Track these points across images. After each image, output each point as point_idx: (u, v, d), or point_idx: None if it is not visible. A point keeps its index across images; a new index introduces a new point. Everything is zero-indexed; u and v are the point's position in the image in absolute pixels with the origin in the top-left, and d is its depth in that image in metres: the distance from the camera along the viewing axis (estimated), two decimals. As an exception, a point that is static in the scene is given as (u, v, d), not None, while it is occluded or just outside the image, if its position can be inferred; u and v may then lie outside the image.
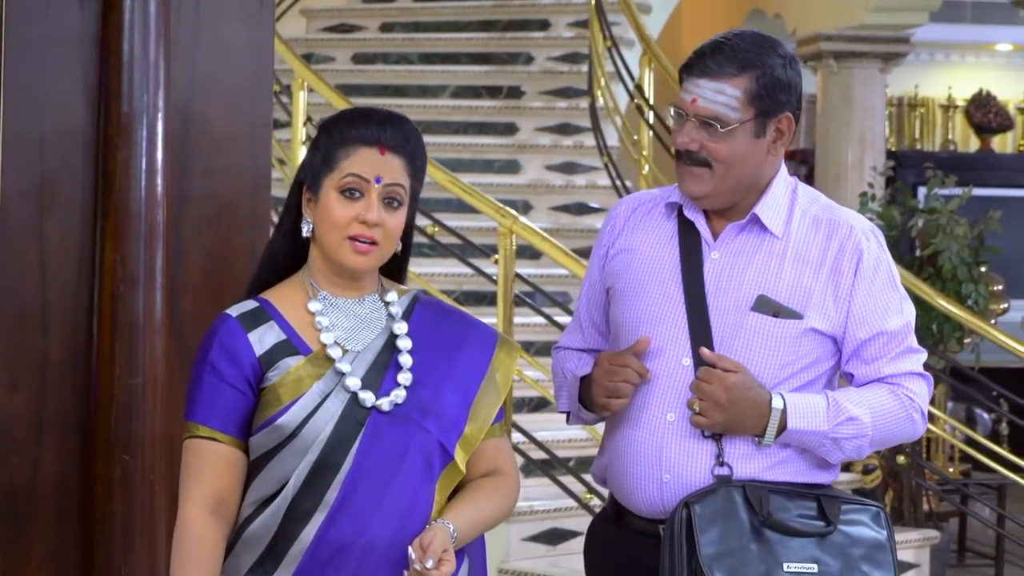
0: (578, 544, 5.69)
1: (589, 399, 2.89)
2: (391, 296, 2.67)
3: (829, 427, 2.78)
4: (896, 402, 2.83)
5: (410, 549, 2.49)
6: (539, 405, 6.36)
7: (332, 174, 2.58)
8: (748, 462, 2.80)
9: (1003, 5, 12.05)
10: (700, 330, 2.81)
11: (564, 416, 3.05)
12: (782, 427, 2.77)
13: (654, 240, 2.91)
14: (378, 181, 2.56)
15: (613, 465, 2.90)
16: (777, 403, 2.76)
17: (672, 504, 2.78)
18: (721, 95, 2.78)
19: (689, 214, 2.88)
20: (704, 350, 2.79)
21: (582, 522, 5.69)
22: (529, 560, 5.59)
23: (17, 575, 3.10)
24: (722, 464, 2.78)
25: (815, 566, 2.75)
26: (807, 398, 2.80)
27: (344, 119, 2.62)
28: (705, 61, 2.80)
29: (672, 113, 2.85)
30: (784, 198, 2.86)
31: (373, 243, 2.57)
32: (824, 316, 2.81)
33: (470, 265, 5.74)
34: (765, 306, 2.79)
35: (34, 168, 3.12)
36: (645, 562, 2.81)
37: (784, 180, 2.89)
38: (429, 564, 2.46)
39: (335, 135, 2.60)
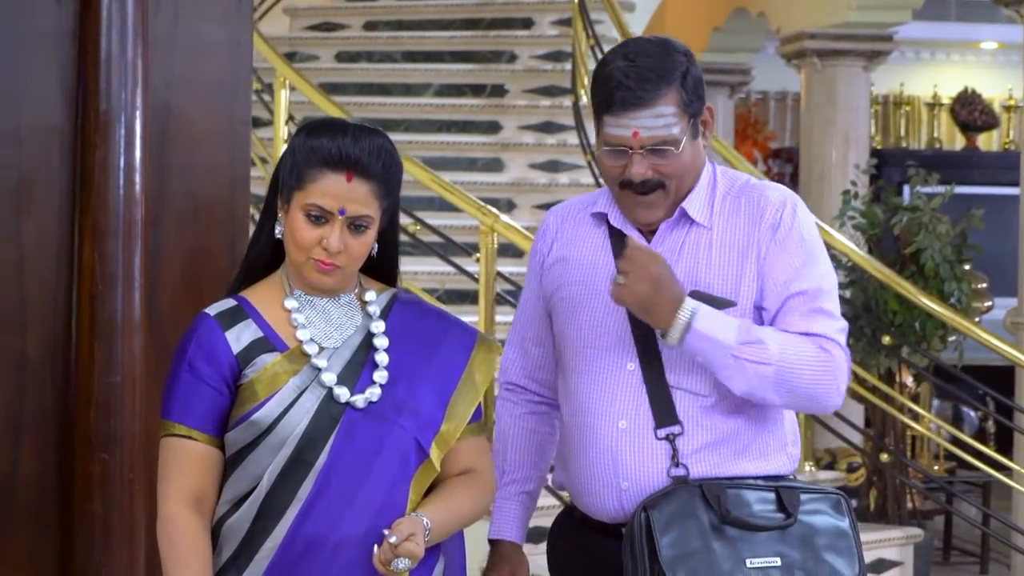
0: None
1: None
2: (370, 295, 2.67)
3: (735, 342, 2.68)
4: (811, 346, 2.72)
5: (384, 531, 2.49)
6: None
7: (300, 192, 2.57)
8: (704, 460, 2.76)
9: (987, 3, 12.07)
10: (643, 333, 2.76)
11: None
12: (687, 326, 2.68)
13: (587, 249, 2.87)
14: (342, 213, 2.55)
15: (571, 478, 2.88)
16: (691, 302, 2.69)
17: (633, 510, 2.75)
18: (660, 119, 2.71)
19: (617, 223, 2.84)
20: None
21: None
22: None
23: (-4, 575, 3.09)
24: (677, 464, 2.75)
25: (778, 560, 2.71)
26: (720, 313, 2.71)
27: (315, 135, 2.57)
28: (631, 91, 2.70)
29: (605, 151, 2.75)
30: (706, 186, 2.82)
31: (335, 266, 2.57)
32: (756, 294, 2.77)
33: (452, 264, 5.73)
34: (699, 300, 2.73)
35: (11, 166, 3.10)
36: (610, 558, 2.79)
37: (706, 169, 2.84)
38: (393, 540, 2.46)
39: (306, 152, 2.56)
